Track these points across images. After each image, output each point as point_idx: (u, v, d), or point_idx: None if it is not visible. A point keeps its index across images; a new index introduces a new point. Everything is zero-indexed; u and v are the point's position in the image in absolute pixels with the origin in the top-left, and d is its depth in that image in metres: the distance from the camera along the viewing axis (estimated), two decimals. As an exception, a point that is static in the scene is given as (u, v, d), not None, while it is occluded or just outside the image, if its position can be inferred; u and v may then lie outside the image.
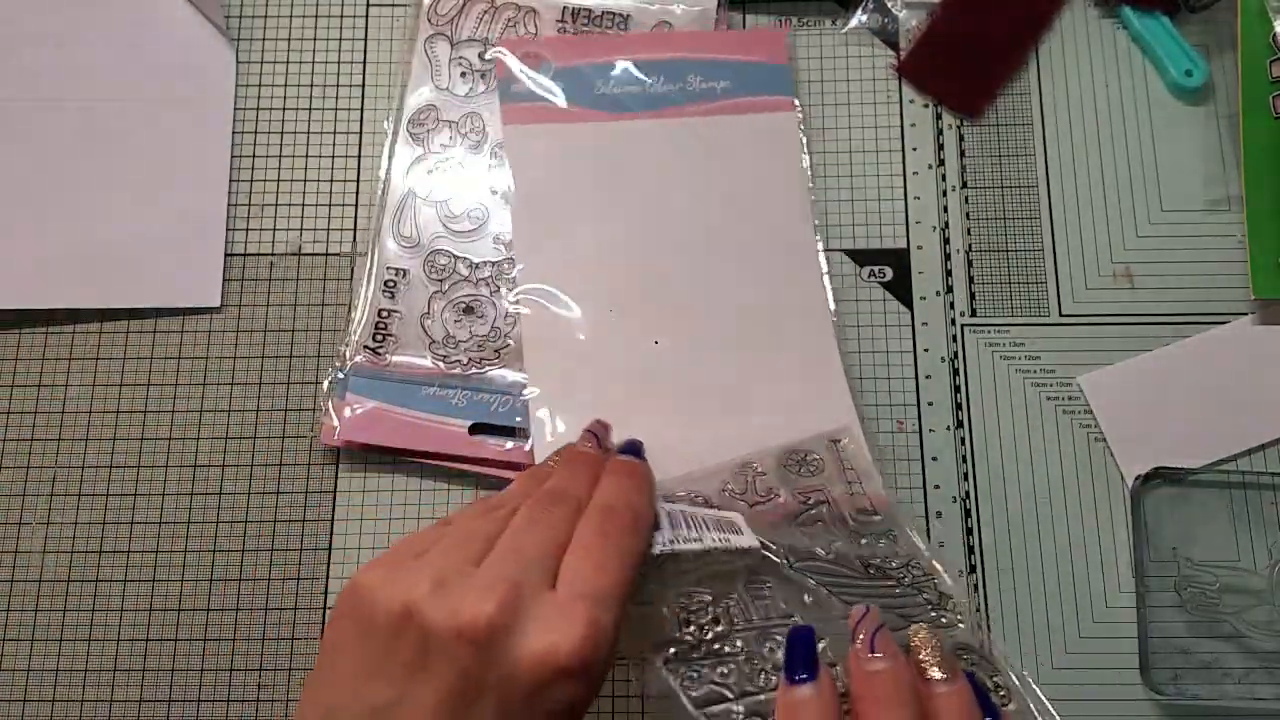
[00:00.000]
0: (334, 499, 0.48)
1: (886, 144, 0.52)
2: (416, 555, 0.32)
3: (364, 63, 0.53)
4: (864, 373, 0.49)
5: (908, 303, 0.50)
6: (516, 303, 0.47)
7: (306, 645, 0.46)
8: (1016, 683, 0.39)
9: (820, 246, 0.49)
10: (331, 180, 0.52)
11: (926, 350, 0.49)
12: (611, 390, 0.45)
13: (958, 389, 0.49)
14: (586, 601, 0.30)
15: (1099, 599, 0.46)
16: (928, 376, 0.49)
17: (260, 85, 0.53)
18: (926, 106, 0.53)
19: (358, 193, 0.52)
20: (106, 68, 0.53)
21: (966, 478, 0.48)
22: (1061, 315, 0.49)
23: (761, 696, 0.35)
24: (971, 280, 0.50)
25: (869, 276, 0.50)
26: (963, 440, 0.48)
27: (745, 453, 0.43)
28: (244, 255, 0.51)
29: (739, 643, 0.36)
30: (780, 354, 0.46)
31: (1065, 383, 0.49)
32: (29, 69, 0.53)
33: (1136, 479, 0.46)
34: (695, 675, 0.35)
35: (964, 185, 0.51)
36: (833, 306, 0.48)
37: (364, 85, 0.53)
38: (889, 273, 0.50)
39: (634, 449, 0.39)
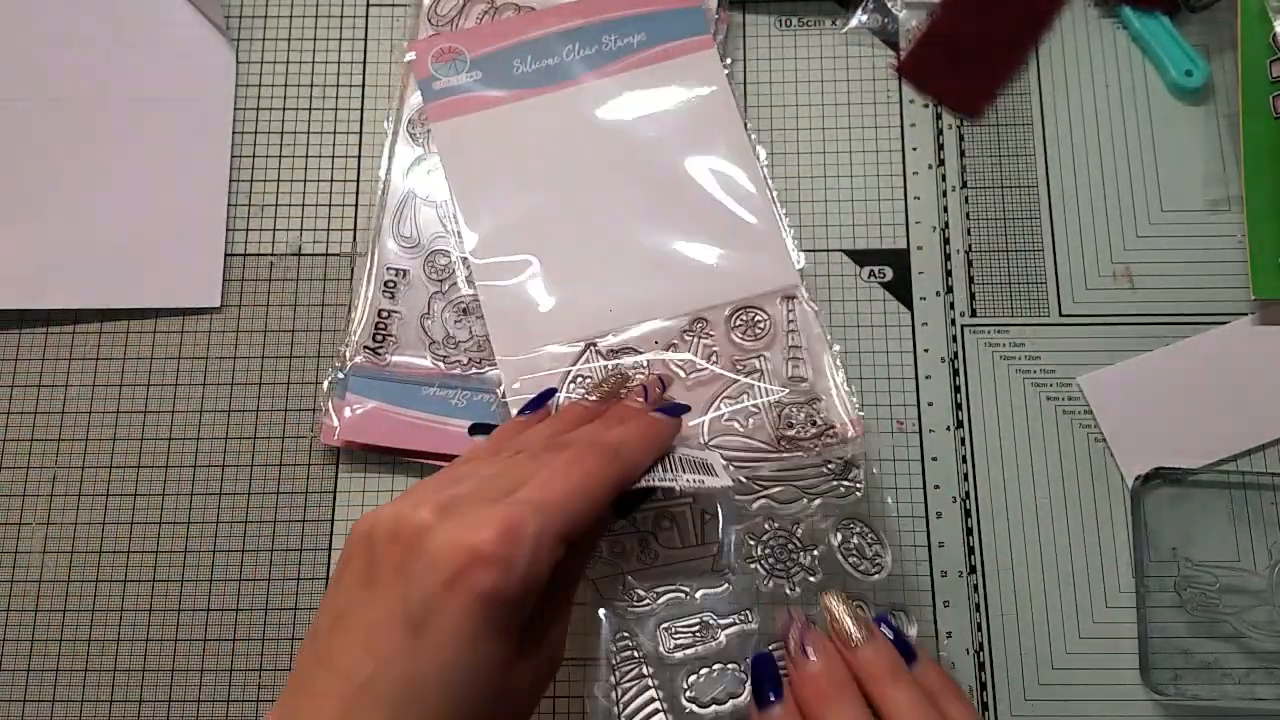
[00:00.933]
0: (334, 499, 0.48)
1: (886, 144, 0.52)
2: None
3: (364, 63, 0.53)
4: (864, 373, 0.49)
5: (908, 303, 0.50)
6: (473, 293, 0.47)
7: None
8: (889, 560, 0.40)
9: (762, 160, 0.49)
10: (331, 180, 0.52)
11: (926, 350, 0.49)
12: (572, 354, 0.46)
13: (958, 389, 0.49)
14: (515, 505, 0.30)
15: (1099, 599, 0.46)
16: (928, 377, 0.49)
17: (260, 85, 0.53)
18: (926, 106, 0.53)
19: (358, 193, 0.52)
20: (106, 68, 0.53)
21: (966, 478, 0.48)
22: (1061, 315, 0.49)
23: (640, 574, 0.39)
24: (971, 280, 0.50)
25: (869, 277, 0.50)
26: (963, 440, 0.48)
27: (699, 304, 0.44)
28: (244, 255, 0.51)
29: (636, 520, 0.40)
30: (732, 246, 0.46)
31: (1065, 383, 0.49)
32: (29, 69, 0.53)
33: (1136, 479, 0.46)
34: (617, 552, 0.39)
35: (964, 185, 0.51)
36: (773, 192, 0.48)
37: (364, 85, 0.53)
38: (889, 273, 0.50)
39: (673, 410, 0.39)
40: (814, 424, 0.41)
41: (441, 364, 0.48)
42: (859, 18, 0.54)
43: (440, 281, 0.49)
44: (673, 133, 0.45)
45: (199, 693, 0.46)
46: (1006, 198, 0.51)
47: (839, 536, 0.40)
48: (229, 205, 0.51)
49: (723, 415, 0.41)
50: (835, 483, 0.40)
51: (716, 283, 0.45)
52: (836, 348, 0.44)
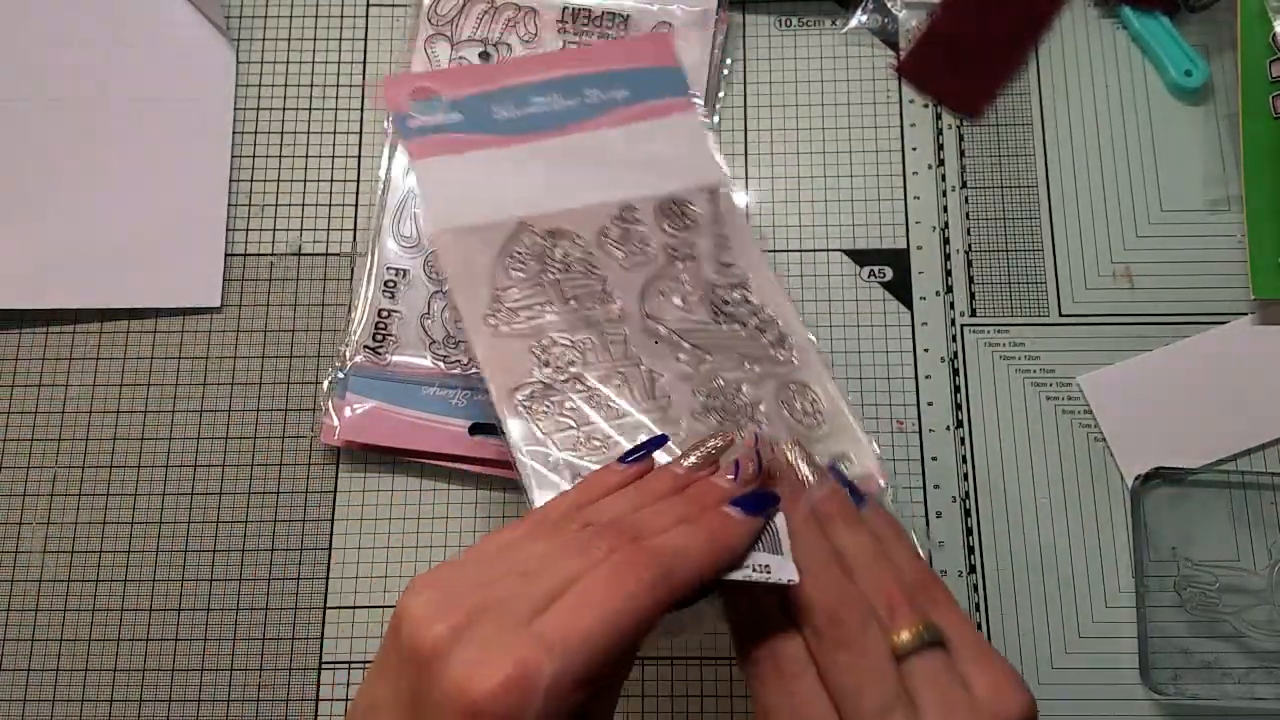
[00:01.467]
0: (334, 499, 0.48)
1: (886, 144, 0.52)
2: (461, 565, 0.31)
3: (364, 63, 0.53)
4: (864, 372, 0.49)
5: (907, 303, 0.50)
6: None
7: (306, 645, 0.46)
8: (828, 415, 0.41)
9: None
10: (331, 180, 0.52)
11: (926, 350, 0.49)
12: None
13: (958, 389, 0.49)
14: (534, 644, 0.26)
15: (1099, 599, 0.46)
16: (928, 376, 0.49)
17: (260, 85, 0.53)
18: (926, 106, 0.53)
19: (358, 193, 0.52)
20: (106, 68, 0.53)
21: (966, 478, 0.48)
22: (1061, 315, 0.49)
23: (601, 424, 0.39)
24: (971, 280, 0.50)
25: (869, 276, 0.50)
26: (962, 440, 0.48)
27: (627, 194, 0.44)
28: (244, 255, 0.51)
29: (589, 380, 0.40)
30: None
31: (1065, 383, 0.49)
32: (30, 69, 0.53)
33: (1136, 479, 0.46)
34: (546, 410, 0.39)
35: (964, 185, 0.51)
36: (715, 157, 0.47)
37: (364, 85, 0.53)
38: (889, 273, 0.50)
39: (757, 504, 0.33)
40: (747, 301, 0.43)
41: (441, 364, 0.48)
42: (859, 18, 0.54)
43: (441, 281, 0.49)
44: (659, 188, 0.45)
45: (199, 693, 0.46)
46: (1006, 198, 0.51)
47: (783, 395, 0.41)
48: (229, 205, 0.51)
49: (661, 289, 0.43)
50: (773, 353, 0.42)
51: (643, 174, 0.45)
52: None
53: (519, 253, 0.43)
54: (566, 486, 0.37)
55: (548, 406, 0.39)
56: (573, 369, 0.40)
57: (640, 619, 0.28)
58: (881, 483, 0.39)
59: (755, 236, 0.45)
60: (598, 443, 0.39)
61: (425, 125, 0.44)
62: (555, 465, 0.38)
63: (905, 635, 0.31)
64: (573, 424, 0.39)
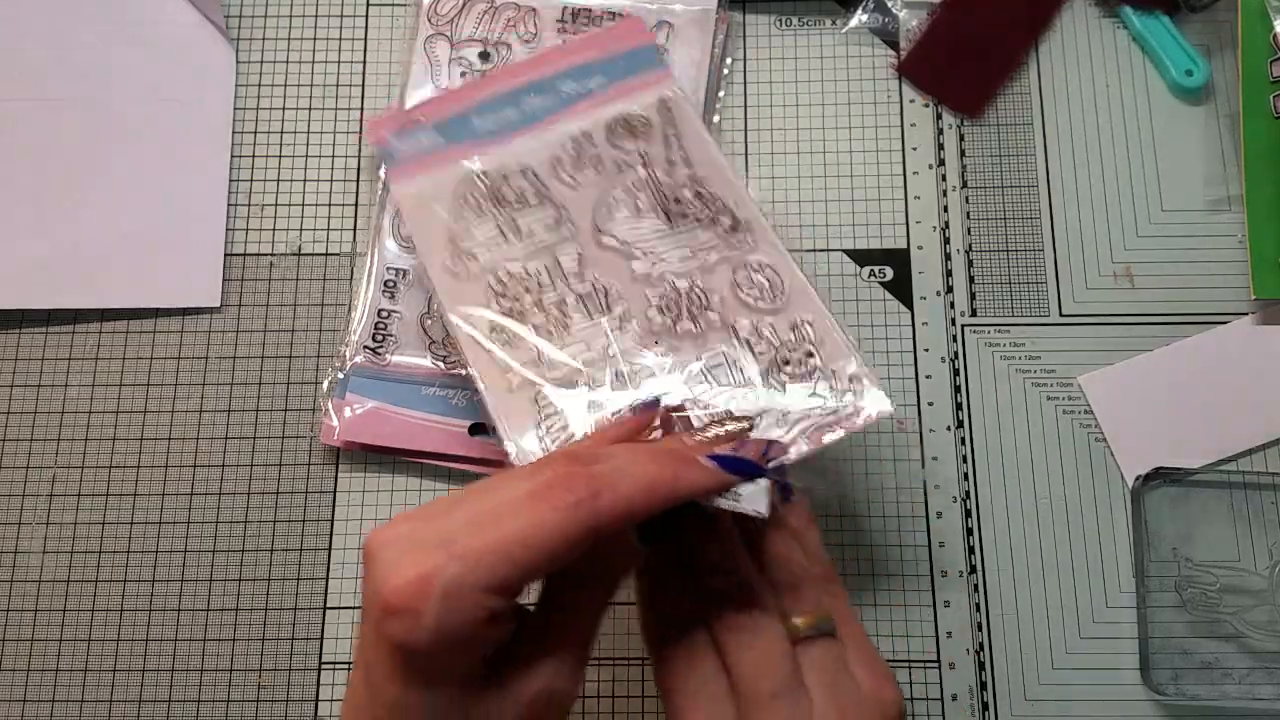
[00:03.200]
0: (334, 499, 0.48)
1: (886, 144, 0.52)
2: None
3: (364, 63, 0.53)
4: (864, 373, 0.49)
5: (908, 303, 0.50)
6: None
7: (306, 645, 0.46)
8: (788, 289, 0.41)
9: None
10: (331, 180, 0.52)
11: (927, 350, 0.49)
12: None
13: (958, 389, 0.49)
14: (438, 552, 0.28)
15: (1099, 599, 0.46)
16: (928, 376, 0.49)
17: (260, 85, 0.53)
18: (927, 106, 0.53)
19: (357, 193, 0.52)
20: (107, 67, 0.53)
21: (966, 478, 0.48)
22: (1062, 315, 0.49)
23: (545, 342, 0.40)
24: (972, 280, 0.50)
25: (869, 276, 0.50)
26: (963, 440, 0.48)
27: (580, 125, 0.45)
28: (244, 255, 0.51)
29: (546, 299, 0.41)
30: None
31: (1065, 383, 0.49)
32: (30, 68, 0.53)
33: (1137, 479, 0.46)
34: (506, 340, 0.40)
35: (964, 185, 0.51)
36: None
37: (364, 85, 0.53)
38: (889, 273, 0.50)
39: (735, 464, 0.32)
40: (700, 198, 0.43)
41: (441, 364, 0.48)
42: (859, 17, 0.54)
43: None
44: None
45: (199, 693, 0.46)
46: (1007, 197, 0.51)
47: (738, 277, 0.41)
48: (229, 205, 0.51)
49: (610, 206, 0.43)
50: (729, 237, 0.42)
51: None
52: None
53: (473, 196, 0.43)
54: (526, 398, 0.39)
55: (506, 337, 0.40)
56: (528, 297, 0.41)
57: (557, 537, 0.28)
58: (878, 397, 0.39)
59: (710, 135, 0.45)
60: (558, 372, 0.39)
61: (407, 152, 0.44)
62: (517, 386, 0.39)
63: (802, 620, 0.32)
64: (534, 357, 0.40)
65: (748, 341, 0.40)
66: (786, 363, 0.40)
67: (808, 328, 0.40)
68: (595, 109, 0.46)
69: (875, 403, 0.39)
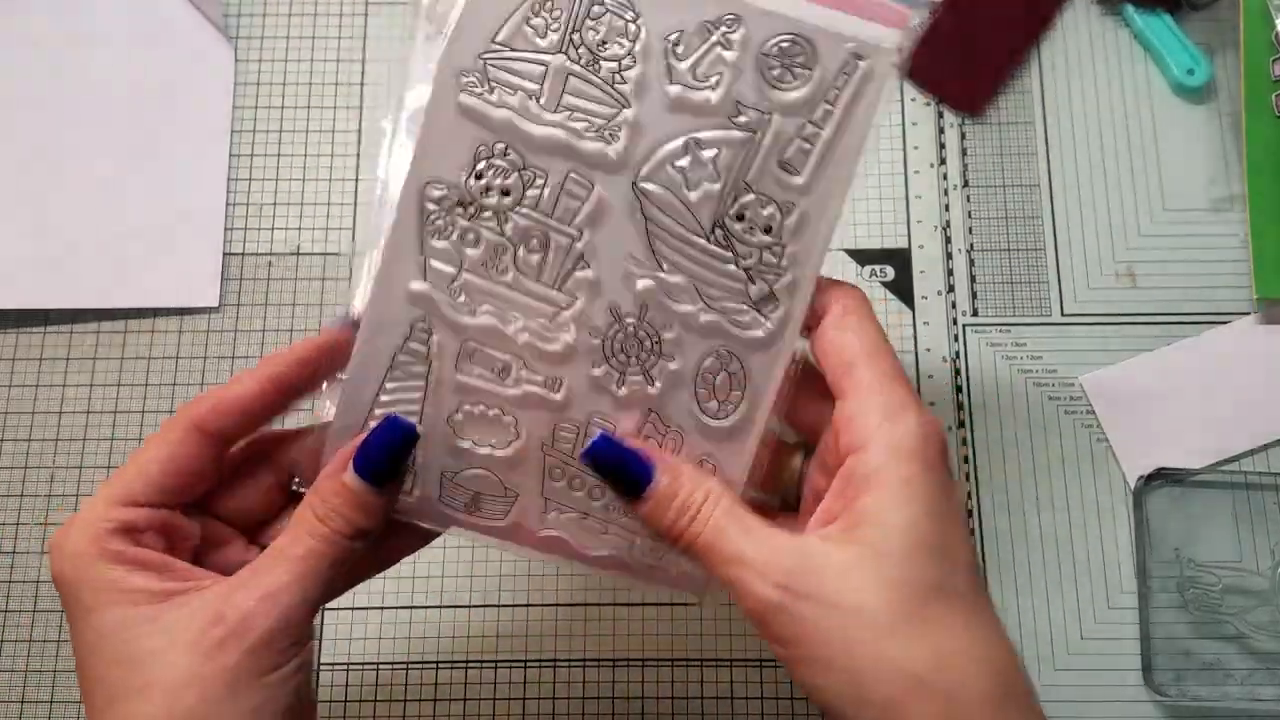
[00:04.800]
0: (333, 499, 0.48)
1: (888, 143, 0.52)
2: None
3: (363, 62, 0.53)
4: (865, 372, 0.49)
5: (909, 302, 0.50)
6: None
7: (305, 646, 0.46)
8: (743, 412, 0.33)
9: None
10: (330, 180, 0.52)
11: (928, 350, 0.49)
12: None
13: (959, 389, 0.49)
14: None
15: (1101, 599, 0.46)
16: (929, 376, 0.49)
17: (259, 84, 0.53)
18: (928, 105, 0.52)
19: (357, 192, 0.52)
20: (106, 67, 0.53)
21: (968, 478, 0.47)
22: (1063, 315, 0.49)
23: (476, 280, 0.32)
24: (973, 280, 0.50)
25: (870, 276, 0.50)
26: (964, 440, 0.48)
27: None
28: (242, 255, 0.51)
29: (509, 224, 0.31)
30: None
31: (1067, 383, 0.48)
32: (29, 69, 0.52)
33: (1139, 479, 0.46)
34: (441, 224, 0.32)
35: (966, 184, 0.51)
36: None
37: (363, 84, 0.53)
38: (890, 272, 0.50)
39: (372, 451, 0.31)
40: (768, 230, 0.31)
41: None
42: (860, 16, 0.53)
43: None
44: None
45: (198, 694, 0.46)
46: (1008, 197, 0.51)
47: (707, 362, 0.32)
48: (228, 204, 0.51)
49: (677, 159, 0.31)
50: (745, 308, 0.32)
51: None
52: (862, 166, 0.32)
53: (553, 6, 0.31)
54: (408, 317, 0.32)
55: (448, 225, 0.31)
56: (503, 198, 0.31)
57: (160, 443, 0.31)
58: None
59: (857, 159, 0.32)
60: (466, 299, 0.32)
61: None
62: (413, 295, 0.32)
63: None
64: (458, 262, 0.32)
65: (647, 438, 0.33)
66: None
67: (712, 472, 0.33)
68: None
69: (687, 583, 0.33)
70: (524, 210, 0.31)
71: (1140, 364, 0.48)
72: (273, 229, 0.51)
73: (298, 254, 0.51)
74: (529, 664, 0.45)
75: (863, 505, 0.29)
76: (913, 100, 0.52)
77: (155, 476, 0.31)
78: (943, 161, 0.52)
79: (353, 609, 0.46)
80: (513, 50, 0.31)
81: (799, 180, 0.31)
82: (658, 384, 0.32)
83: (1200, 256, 0.50)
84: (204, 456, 0.32)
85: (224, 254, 0.51)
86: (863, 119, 0.31)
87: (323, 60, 0.53)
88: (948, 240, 0.51)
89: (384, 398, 0.32)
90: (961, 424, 0.48)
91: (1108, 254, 0.50)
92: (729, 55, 0.31)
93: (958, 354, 0.49)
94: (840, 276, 0.50)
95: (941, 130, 0.52)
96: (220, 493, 0.33)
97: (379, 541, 0.33)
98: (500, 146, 0.31)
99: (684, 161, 0.31)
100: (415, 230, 0.31)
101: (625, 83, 0.31)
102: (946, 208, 0.51)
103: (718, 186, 0.31)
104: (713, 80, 0.31)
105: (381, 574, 0.47)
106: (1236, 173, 0.50)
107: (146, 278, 0.50)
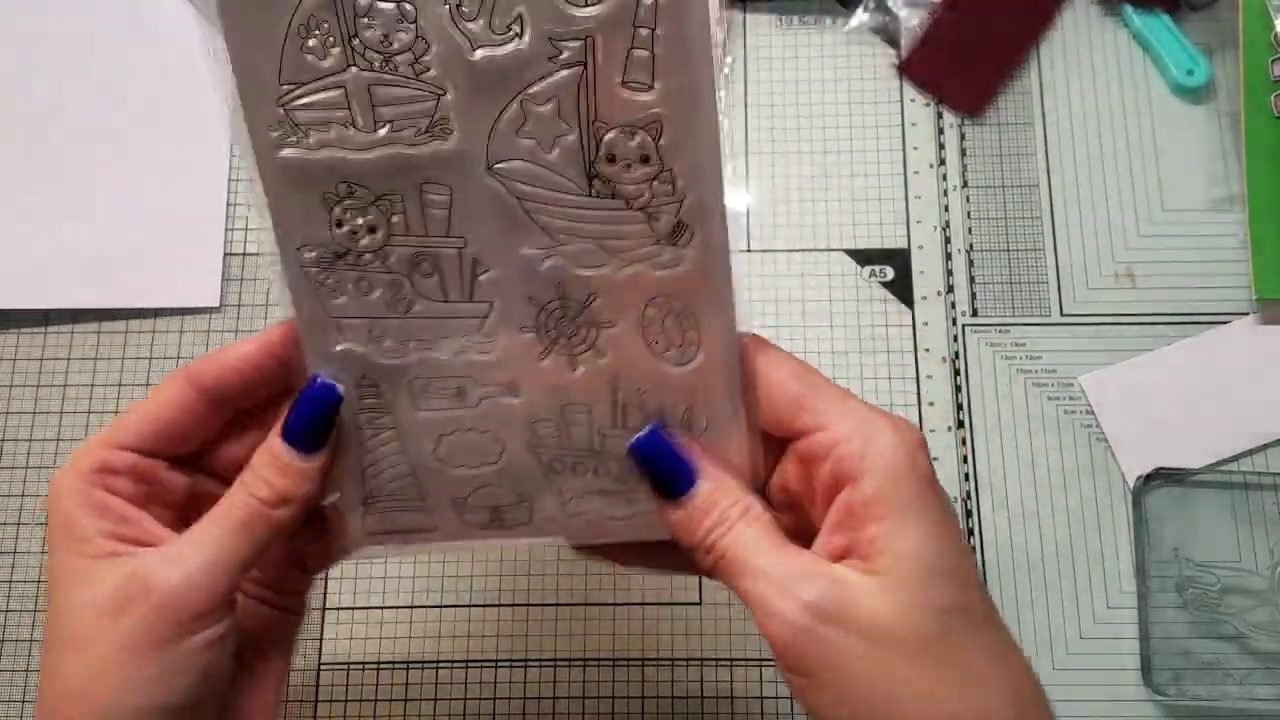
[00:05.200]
0: (333, 499, 0.48)
1: (887, 143, 0.52)
2: None
3: (363, 62, 0.53)
4: (864, 372, 0.49)
5: (909, 302, 0.50)
6: None
7: (305, 645, 0.46)
8: (703, 352, 0.31)
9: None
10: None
11: (928, 350, 0.49)
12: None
13: (959, 389, 0.49)
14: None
15: (1100, 599, 0.46)
16: (929, 376, 0.49)
17: (259, 84, 0.53)
18: (928, 105, 0.52)
19: (357, 192, 0.52)
20: (106, 67, 0.53)
21: (967, 478, 0.48)
22: (1063, 315, 0.49)
23: (391, 322, 0.30)
24: (973, 280, 0.50)
25: (870, 276, 0.50)
26: (964, 440, 0.48)
27: None
28: (243, 255, 0.51)
29: (392, 258, 0.29)
30: None
31: (1066, 383, 0.48)
32: (29, 69, 0.52)
33: (1138, 479, 0.46)
34: (332, 283, 0.30)
35: (965, 184, 0.51)
36: None
37: (363, 84, 0.53)
38: (890, 272, 0.50)
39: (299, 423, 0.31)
40: (646, 160, 0.28)
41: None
42: (860, 17, 0.53)
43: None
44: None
45: (198, 693, 0.46)
46: (1008, 197, 0.51)
47: (647, 314, 0.30)
48: (228, 205, 0.51)
49: (520, 125, 0.28)
50: (659, 248, 0.29)
51: None
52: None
53: (317, 22, 0.28)
54: (348, 378, 0.31)
55: (338, 280, 0.30)
56: (372, 235, 0.29)
57: (153, 401, 0.32)
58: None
59: (708, 40, 0.27)
60: (392, 343, 0.30)
61: None
62: (340, 357, 0.30)
63: None
64: (364, 313, 0.30)
65: (623, 407, 0.31)
66: None
67: (703, 416, 0.31)
68: None
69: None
70: (398, 239, 0.29)
71: (1140, 364, 0.48)
72: (273, 229, 0.51)
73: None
74: (529, 664, 0.46)
75: (871, 536, 0.28)
76: (912, 100, 0.53)
77: (143, 423, 0.31)
78: (942, 162, 0.52)
79: (353, 609, 0.46)
80: (303, 85, 0.28)
81: (652, 94, 0.27)
82: (608, 353, 0.30)
83: (1199, 257, 0.50)
84: (195, 410, 0.31)
85: (225, 254, 0.51)
86: (691, 9, 0.27)
87: (323, 60, 0.53)
88: (947, 240, 0.51)
89: (367, 457, 0.32)
90: (961, 424, 0.48)
91: (1107, 254, 0.50)
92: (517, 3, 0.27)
93: (957, 354, 0.49)
94: (840, 277, 0.50)
95: (941, 130, 0.52)
96: (218, 450, 0.33)
97: (312, 521, 0.32)
98: (343, 187, 0.29)
99: (528, 126, 0.28)
100: (311, 297, 0.30)
101: (428, 69, 0.28)
102: (946, 208, 0.51)
103: (573, 136, 0.28)
104: (513, 28, 0.27)
105: (382, 574, 0.48)
106: (1235, 173, 0.50)
107: (147, 278, 0.50)
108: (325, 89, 0.28)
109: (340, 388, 0.31)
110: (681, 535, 0.31)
